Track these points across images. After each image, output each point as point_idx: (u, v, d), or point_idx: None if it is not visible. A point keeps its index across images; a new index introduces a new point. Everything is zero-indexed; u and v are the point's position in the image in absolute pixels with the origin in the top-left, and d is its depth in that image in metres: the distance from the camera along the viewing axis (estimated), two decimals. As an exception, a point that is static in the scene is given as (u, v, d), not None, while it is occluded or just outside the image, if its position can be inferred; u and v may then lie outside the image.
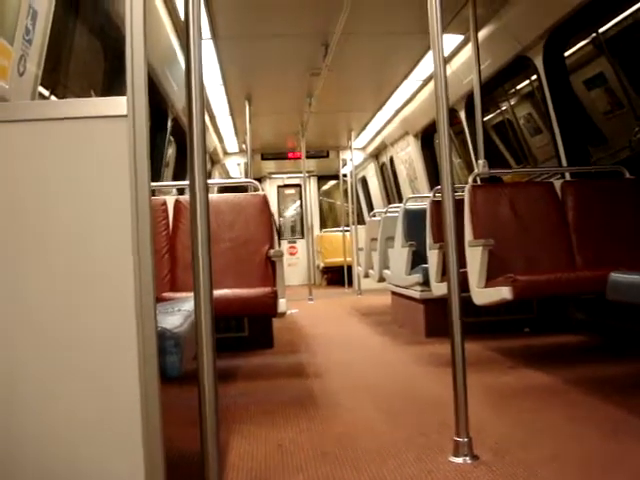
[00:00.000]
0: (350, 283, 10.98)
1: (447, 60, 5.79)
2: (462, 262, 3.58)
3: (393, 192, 10.91)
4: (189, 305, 2.19)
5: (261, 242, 4.20)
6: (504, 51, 5.33)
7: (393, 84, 7.47)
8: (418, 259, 5.33)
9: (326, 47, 5.84)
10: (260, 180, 7.96)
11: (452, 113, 6.60)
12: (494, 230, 3.97)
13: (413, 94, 7.79)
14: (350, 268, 11.03)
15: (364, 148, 11.57)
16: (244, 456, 2.39)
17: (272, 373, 4.08)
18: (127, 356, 1.52)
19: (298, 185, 13.51)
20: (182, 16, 1.86)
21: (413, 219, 5.73)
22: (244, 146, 9.63)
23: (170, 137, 6.79)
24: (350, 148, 10.44)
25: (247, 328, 4.90)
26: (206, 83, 6.55)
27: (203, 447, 1.67)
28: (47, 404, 1.54)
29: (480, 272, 3.72)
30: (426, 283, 4.98)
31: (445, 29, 2.49)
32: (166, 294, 3.70)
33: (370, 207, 12.25)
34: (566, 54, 5.01)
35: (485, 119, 6.15)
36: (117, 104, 1.55)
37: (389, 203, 10.24)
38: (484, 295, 3.73)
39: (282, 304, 3.65)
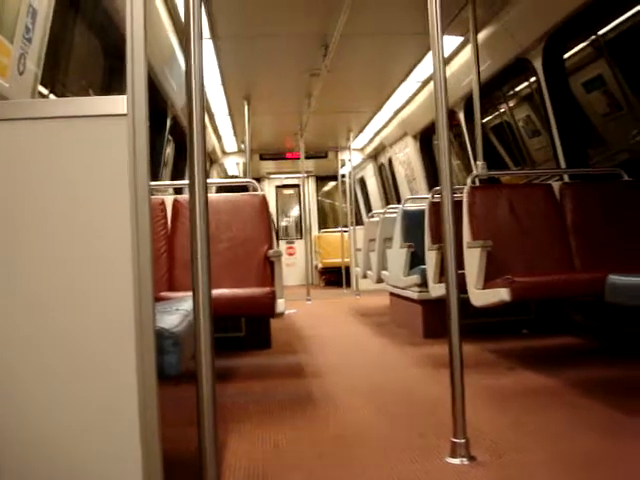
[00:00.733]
0: (348, 284, 10.98)
1: (446, 61, 5.79)
2: (460, 263, 3.58)
3: (391, 193, 10.91)
4: (187, 304, 2.19)
5: (260, 242, 4.20)
6: (503, 53, 5.33)
7: (392, 85, 7.47)
8: (416, 260, 5.34)
9: (326, 48, 5.84)
10: (259, 180, 7.96)
11: (451, 114, 6.60)
12: (492, 231, 3.97)
13: (412, 95, 7.79)
14: (348, 269, 11.03)
15: (363, 149, 11.57)
16: (241, 455, 2.39)
17: (270, 373, 4.08)
18: (125, 355, 1.52)
19: (297, 185, 13.52)
20: (182, 15, 1.86)
21: (411, 220, 5.73)
22: (243, 146, 9.64)
23: (169, 136, 6.80)
24: (349, 149, 10.45)
25: (244, 328, 4.90)
26: (205, 83, 6.55)
27: (201, 446, 1.67)
28: (44, 403, 1.54)
29: (478, 273, 3.73)
30: (424, 284, 4.98)
31: (445, 30, 2.49)
32: (164, 293, 3.70)
33: (368, 208, 12.26)
34: (565, 56, 5.01)
35: (484, 121, 6.16)
36: (117, 103, 1.55)
37: (387, 204, 10.25)
38: (482, 296, 3.73)
39: (280, 304, 3.65)
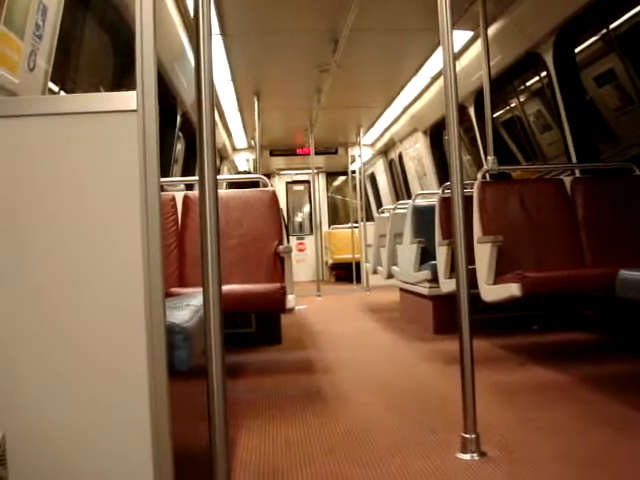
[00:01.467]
0: (358, 280, 10.96)
1: (456, 56, 5.77)
2: (471, 259, 3.57)
3: (402, 188, 10.89)
4: (198, 300, 2.19)
5: (270, 238, 4.20)
6: (514, 47, 5.31)
7: (402, 80, 7.45)
8: (427, 256, 5.33)
9: (335, 43, 5.83)
10: (269, 176, 7.95)
11: (461, 110, 6.58)
12: (503, 227, 3.96)
13: (422, 90, 7.76)
14: (358, 264, 11.02)
15: (373, 144, 11.55)
16: (252, 451, 2.39)
17: (280, 369, 4.09)
18: (136, 350, 1.53)
19: (307, 181, 13.51)
20: (191, 12, 1.86)
21: (422, 216, 5.72)
22: (253, 142, 9.63)
23: (179, 133, 6.81)
24: (359, 144, 10.42)
25: (254, 324, 4.91)
26: (215, 79, 6.56)
27: (212, 442, 1.67)
28: (54, 400, 1.54)
29: (489, 269, 3.72)
30: (435, 280, 4.98)
31: (455, 25, 2.48)
32: (175, 289, 3.71)
33: (379, 204, 12.24)
34: (576, 50, 4.98)
35: (494, 115, 6.13)
36: (127, 99, 1.55)
37: (398, 199, 10.23)
38: (493, 292, 3.72)
39: (291, 300, 3.64)
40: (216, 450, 1.67)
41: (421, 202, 6.19)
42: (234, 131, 10.02)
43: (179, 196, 4.35)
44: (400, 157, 10.40)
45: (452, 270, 4.48)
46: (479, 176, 4.29)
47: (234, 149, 11.38)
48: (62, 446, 1.55)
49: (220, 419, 1.68)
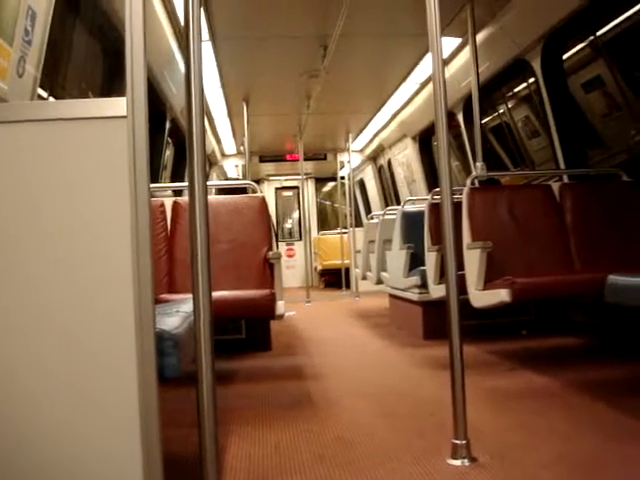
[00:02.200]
0: (348, 285, 10.96)
1: (445, 63, 5.79)
2: (460, 264, 3.58)
3: (391, 194, 10.91)
4: (188, 306, 2.19)
5: (259, 244, 4.19)
6: (502, 54, 5.34)
7: (391, 86, 7.48)
8: (416, 261, 5.34)
9: (324, 49, 5.84)
10: (258, 182, 7.95)
11: (450, 116, 6.60)
12: (492, 232, 3.97)
13: (411, 97, 7.80)
14: (348, 270, 11.02)
15: (362, 150, 11.58)
16: (242, 458, 2.39)
17: (270, 375, 4.08)
18: (126, 357, 1.52)
19: (296, 187, 13.52)
20: (181, 18, 1.86)
21: (411, 221, 5.73)
22: (242, 148, 9.63)
23: (168, 139, 6.80)
24: (348, 150, 10.44)
25: (244, 330, 4.90)
26: (204, 85, 6.56)
27: (201, 448, 1.67)
28: (45, 404, 1.53)
29: (478, 274, 3.73)
30: (424, 285, 4.99)
31: (443, 31, 2.49)
32: (164, 295, 3.70)
33: (368, 209, 12.25)
34: (564, 57, 5.02)
35: (483, 122, 6.16)
36: (116, 105, 1.55)
37: (387, 205, 10.25)
38: (482, 297, 3.73)
39: (280, 306, 3.64)
40: (206, 456, 1.67)
41: (410, 208, 6.20)
42: (223, 137, 10.01)
43: (168, 202, 4.35)
44: (389, 163, 10.42)
45: (441, 276, 4.49)
46: (468, 182, 4.30)
47: (223, 155, 11.37)
48: (51, 451, 1.53)
49: (210, 425, 1.68)
